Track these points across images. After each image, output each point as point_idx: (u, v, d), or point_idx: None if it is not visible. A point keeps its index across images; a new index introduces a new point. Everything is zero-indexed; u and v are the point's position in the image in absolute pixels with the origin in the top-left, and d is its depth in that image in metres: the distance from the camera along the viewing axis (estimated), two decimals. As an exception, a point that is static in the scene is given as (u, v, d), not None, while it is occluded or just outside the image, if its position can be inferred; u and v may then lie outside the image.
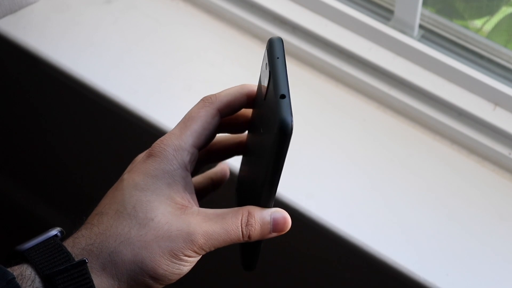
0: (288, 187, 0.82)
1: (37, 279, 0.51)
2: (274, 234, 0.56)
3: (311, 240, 0.86)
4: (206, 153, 0.62)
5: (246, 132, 0.62)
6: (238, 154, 0.63)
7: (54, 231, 0.54)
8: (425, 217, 0.80)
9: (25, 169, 1.33)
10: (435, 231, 0.79)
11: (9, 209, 1.39)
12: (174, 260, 0.52)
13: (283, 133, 0.51)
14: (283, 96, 0.51)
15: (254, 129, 0.58)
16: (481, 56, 0.90)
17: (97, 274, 0.52)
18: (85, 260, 0.51)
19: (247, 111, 0.60)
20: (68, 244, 0.53)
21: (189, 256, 0.53)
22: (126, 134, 1.03)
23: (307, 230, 0.82)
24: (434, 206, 0.81)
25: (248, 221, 0.54)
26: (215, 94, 0.58)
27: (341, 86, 0.92)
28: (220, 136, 0.61)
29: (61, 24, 1.00)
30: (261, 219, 0.55)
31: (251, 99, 0.58)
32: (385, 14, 0.95)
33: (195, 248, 0.53)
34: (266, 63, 0.54)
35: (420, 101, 0.89)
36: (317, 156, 0.86)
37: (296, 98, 0.90)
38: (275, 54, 0.53)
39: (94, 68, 0.94)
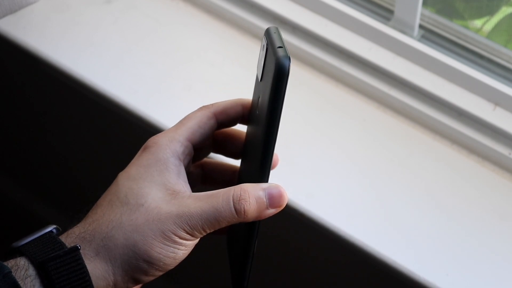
0: (288, 187, 0.81)
1: (31, 268, 0.51)
2: (272, 211, 0.54)
3: (311, 240, 0.86)
4: (202, 176, 0.62)
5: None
6: (232, 181, 0.63)
7: (50, 228, 0.54)
8: (425, 217, 0.80)
9: (25, 169, 1.33)
10: (435, 231, 0.79)
11: (9, 209, 1.39)
12: (167, 242, 0.52)
13: (281, 73, 0.51)
14: (280, 47, 0.52)
15: (252, 121, 0.58)
16: (481, 56, 0.90)
17: (91, 260, 0.52)
18: (77, 246, 0.51)
19: (242, 134, 0.61)
20: (62, 236, 0.54)
21: (182, 238, 0.52)
22: (126, 134, 1.03)
23: (307, 230, 0.82)
24: (434, 206, 0.81)
25: (240, 195, 0.53)
26: (212, 103, 0.59)
27: (341, 86, 0.92)
28: (216, 163, 0.62)
29: (61, 24, 1.00)
30: (255, 193, 0.54)
31: (246, 111, 0.59)
32: (385, 14, 0.95)
33: (187, 229, 0.52)
34: (264, 46, 0.55)
35: (420, 101, 0.89)
36: (317, 156, 0.86)
37: (296, 98, 0.91)
38: (271, 33, 0.55)
39: (94, 68, 0.94)
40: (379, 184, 0.83)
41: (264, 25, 0.96)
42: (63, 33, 0.99)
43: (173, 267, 0.54)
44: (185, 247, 0.53)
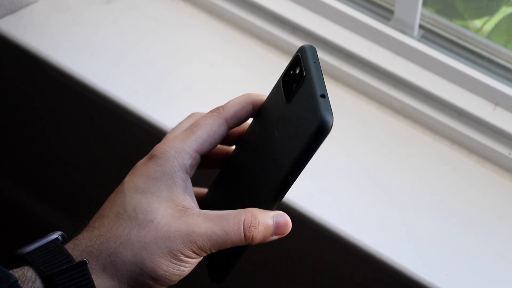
0: (288, 187, 0.82)
1: (38, 280, 0.51)
2: (275, 237, 0.56)
3: (311, 240, 0.86)
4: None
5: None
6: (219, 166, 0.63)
7: (55, 235, 0.54)
8: (425, 217, 0.80)
9: (25, 169, 1.33)
10: (435, 231, 0.79)
11: (9, 209, 1.39)
12: (174, 261, 0.52)
13: (322, 130, 0.51)
14: (323, 96, 0.52)
15: (262, 132, 0.57)
16: (481, 56, 0.90)
17: (97, 275, 0.52)
18: (85, 260, 0.51)
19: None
20: (69, 246, 0.53)
21: (189, 257, 0.53)
22: (126, 134, 1.03)
23: (307, 230, 0.82)
24: (434, 206, 0.81)
25: (251, 222, 0.54)
26: (222, 106, 0.58)
27: (341, 86, 0.92)
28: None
29: (61, 24, 1.00)
30: (264, 220, 0.54)
31: (256, 108, 0.58)
32: (385, 14, 0.95)
33: (195, 249, 0.53)
34: (299, 67, 0.54)
35: (420, 101, 0.89)
36: (317, 156, 0.86)
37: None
38: (310, 59, 0.54)
39: (94, 68, 0.94)
40: (379, 184, 0.83)
41: (264, 25, 0.96)
42: (63, 33, 0.99)
43: (176, 282, 0.54)
44: (190, 264, 0.53)
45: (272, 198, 0.54)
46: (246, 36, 0.98)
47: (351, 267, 0.86)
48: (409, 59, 0.90)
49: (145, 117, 0.89)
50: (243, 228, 0.53)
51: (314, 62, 0.54)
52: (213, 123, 0.57)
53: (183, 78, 0.94)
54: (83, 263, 0.51)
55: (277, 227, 0.55)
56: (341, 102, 0.91)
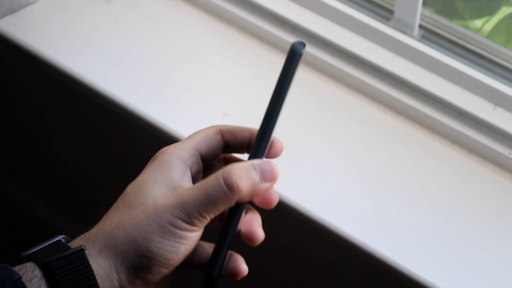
0: (288, 187, 0.82)
1: (37, 269, 0.51)
2: (266, 185, 0.54)
3: (311, 240, 0.86)
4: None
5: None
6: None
7: (58, 237, 0.55)
8: (425, 217, 0.80)
9: (25, 169, 1.33)
10: (435, 231, 0.79)
11: (9, 209, 1.39)
12: (166, 236, 0.52)
13: (294, 52, 0.54)
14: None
15: None
16: (481, 56, 0.90)
17: (94, 259, 0.52)
18: (82, 247, 0.52)
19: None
20: (70, 243, 0.54)
21: (180, 228, 0.52)
22: (126, 134, 1.03)
23: (307, 230, 0.82)
24: (434, 206, 0.81)
25: (230, 171, 0.53)
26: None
27: (341, 86, 0.92)
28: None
29: (61, 24, 1.00)
30: (245, 167, 0.53)
31: (253, 139, 0.58)
32: (385, 14, 0.95)
33: (183, 217, 0.52)
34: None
35: (420, 101, 0.89)
36: (317, 156, 0.86)
37: (296, 98, 0.90)
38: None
39: (94, 68, 0.94)
40: (379, 184, 0.83)
41: (264, 25, 0.96)
42: (63, 33, 0.99)
43: (178, 263, 0.53)
44: (186, 240, 0.53)
45: (255, 146, 0.54)
46: (246, 36, 0.98)
47: (351, 267, 0.86)
48: (409, 59, 0.90)
49: (145, 117, 0.89)
50: (222, 179, 0.53)
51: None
52: (209, 131, 0.58)
53: (183, 78, 0.94)
54: (80, 249, 0.52)
55: (263, 172, 0.54)
56: (341, 102, 0.91)
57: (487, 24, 0.93)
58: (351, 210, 0.81)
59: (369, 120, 0.89)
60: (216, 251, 0.55)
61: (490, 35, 0.92)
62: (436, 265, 0.76)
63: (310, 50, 0.93)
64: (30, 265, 0.51)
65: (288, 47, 0.57)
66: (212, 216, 0.53)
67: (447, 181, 0.83)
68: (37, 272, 0.51)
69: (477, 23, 0.94)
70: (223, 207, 0.53)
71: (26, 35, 0.98)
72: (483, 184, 0.83)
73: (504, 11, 0.92)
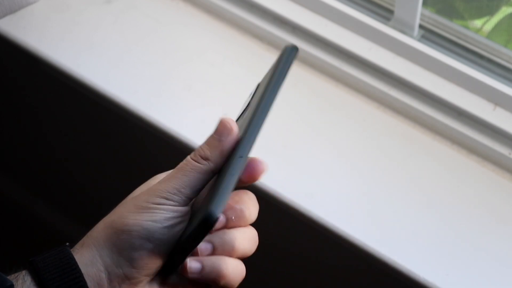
0: (288, 187, 0.82)
1: (22, 268, 0.52)
2: (225, 138, 0.53)
3: (311, 240, 0.86)
4: None
5: None
6: None
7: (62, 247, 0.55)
8: (425, 217, 0.80)
9: (25, 169, 1.33)
10: (435, 231, 0.79)
11: (9, 209, 1.39)
12: (142, 210, 0.52)
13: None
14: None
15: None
16: (481, 56, 0.90)
17: (77, 252, 0.52)
18: (66, 244, 0.52)
19: None
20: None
21: (157, 203, 0.52)
22: (126, 134, 1.03)
23: (307, 230, 0.82)
24: (434, 206, 0.81)
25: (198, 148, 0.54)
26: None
27: (341, 86, 0.92)
28: None
29: (61, 24, 1.00)
30: (207, 140, 0.54)
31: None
32: (385, 14, 0.95)
33: (157, 193, 0.52)
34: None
35: (420, 101, 0.89)
36: (317, 156, 0.86)
37: (296, 98, 0.91)
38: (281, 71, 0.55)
39: (94, 68, 0.94)
40: (379, 184, 0.83)
41: (264, 25, 0.96)
42: (63, 33, 0.99)
43: (163, 238, 0.52)
44: (164, 210, 0.52)
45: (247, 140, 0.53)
46: (246, 36, 0.98)
47: (351, 267, 0.86)
48: (409, 59, 0.90)
49: (145, 117, 0.89)
50: (188, 156, 0.54)
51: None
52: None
53: (183, 78, 0.94)
54: (63, 245, 0.52)
55: (217, 130, 0.54)
56: (341, 102, 0.91)
57: (487, 24, 0.93)
58: (351, 210, 0.81)
59: (369, 120, 0.89)
60: (218, 187, 0.52)
61: (490, 35, 0.92)
62: (436, 265, 0.76)
63: (310, 50, 0.93)
64: (24, 272, 0.52)
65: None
66: (188, 190, 0.53)
67: (447, 181, 0.83)
68: (22, 270, 0.51)
69: (477, 23, 0.94)
70: (192, 174, 0.53)
71: (26, 35, 0.98)
72: (483, 184, 0.83)
73: (504, 11, 0.92)
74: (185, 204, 0.53)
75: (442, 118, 0.87)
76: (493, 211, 0.81)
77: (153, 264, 0.52)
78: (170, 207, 0.52)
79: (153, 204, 0.52)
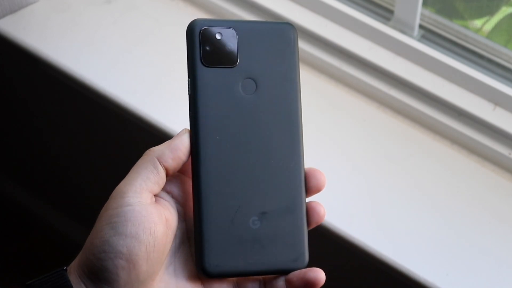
0: (288, 187, 0.82)
1: None
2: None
3: (311, 240, 0.86)
4: None
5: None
6: None
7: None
8: (425, 217, 0.80)
9: (24, 169, 1.33)
10: (435, 231, 0.79)
11: (9, 209, 1.39)
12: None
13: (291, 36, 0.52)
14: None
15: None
16: (481, 56, 0.90)
17: (71, 272, 0.52)
18: (63, 268, 0.52)
19: None
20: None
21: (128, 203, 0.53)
22: (125, 134, 1.03)
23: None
24: (434, 206, 0.81)
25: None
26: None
27: (341, 86, 0.92)
28: None
29: (61, 24, 1.00)
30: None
31: None
32: (385, 14, 0.95)
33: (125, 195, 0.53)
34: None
35: (420, 101, 0.89)
36: (317, 156, 0.86)
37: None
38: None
39: (94, 68, 0.94)
40: (379, 184, 0.83)
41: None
42: (63, 33, 0.99)
43: (141, 243, 0.51)
44: (135, 212, 0.52)
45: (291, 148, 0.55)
46: (246, 36, 0.98)
47: (351, 267, 0.86)
48: (409, 59, 0.90)
49: (145, 117, 0.89)
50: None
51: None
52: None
53: (183, 78, 0.94)
54: (60, 269, 0.52)
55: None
56: (341, 102, 0.91)
57: (487, 24, 0.93)
58: (351, 210, 0.81)
59: (369, 120, 0.89)
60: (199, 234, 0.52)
61: (490, 35, 0.92)
62: (436, 265, 0.76)
63: (310, 50, 0.94)
64: None
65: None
66: (149, 184, 0.54)
67: (447, 181, 0.83)
68: None
69: (477, 23, 0.94)
70: (151, 172, 0.55)
71: (26, 35, 0.98)
72: (483, 184, 0.83)
73: (504, 11, 0.92)
74: (149, 198, 0.54)
75: (442, 118, 0.87)
76: (492, 211, 0.81)
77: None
78: (140, 207, 0.53)
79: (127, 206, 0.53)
